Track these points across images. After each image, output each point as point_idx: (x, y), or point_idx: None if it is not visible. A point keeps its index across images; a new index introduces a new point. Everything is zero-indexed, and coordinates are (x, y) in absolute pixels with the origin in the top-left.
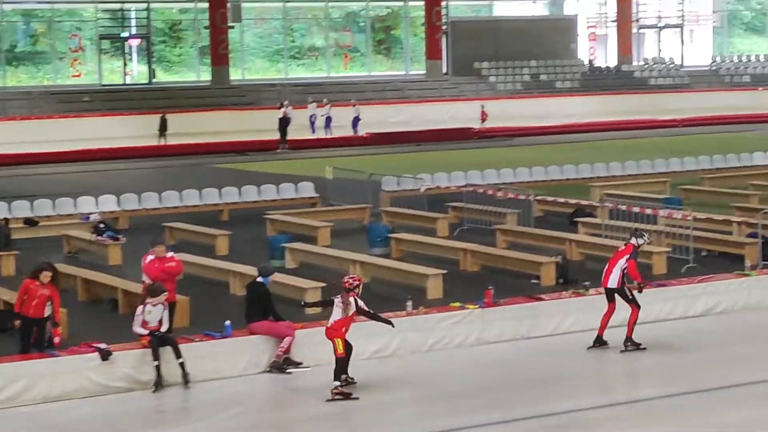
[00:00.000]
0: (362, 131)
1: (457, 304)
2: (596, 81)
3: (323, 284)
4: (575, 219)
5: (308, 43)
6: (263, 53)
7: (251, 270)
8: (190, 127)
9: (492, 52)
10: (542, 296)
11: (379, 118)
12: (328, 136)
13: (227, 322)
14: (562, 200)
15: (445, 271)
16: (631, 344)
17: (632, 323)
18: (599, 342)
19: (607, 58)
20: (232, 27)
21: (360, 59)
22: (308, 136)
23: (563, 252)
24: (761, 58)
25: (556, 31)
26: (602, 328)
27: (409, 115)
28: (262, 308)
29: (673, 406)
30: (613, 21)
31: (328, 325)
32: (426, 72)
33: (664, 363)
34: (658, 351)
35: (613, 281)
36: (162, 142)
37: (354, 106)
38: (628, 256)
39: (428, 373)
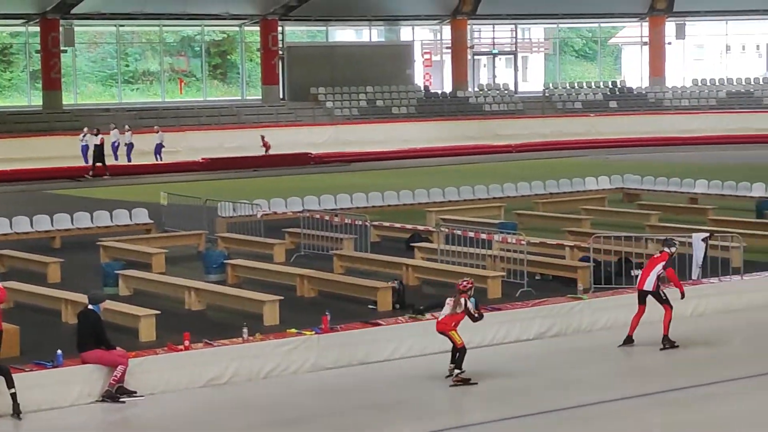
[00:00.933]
0: (166, 158)
1: (294, 330)
2: (432, 107)
3: (158, 312)
4: (411, 244)
5: (143, 68)
6: (96, 78)
7: (84, 298)
8: (22, 153)
9: (328, 77)
10: (379, 321)
11: (214, 144)
12: (130, 163)
13: (59, 351)
14: (398, 225)
15: (281, 297)
16: (668, 343)
17: (668, 323)
18: (629, 341)
19: (443, 84)
20: (65, 51)
21: (195, 84)
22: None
23: (400, 277)
24: (592, 85)
25: (392, 57)
26: (632, 328)
27: (245, 140)
28: (93, 336)
29: (504, 429)
30: (448, 48)
31: (439, 319)
32: (262, 97)
33: (499, 387)
34: (493, 376)
35: (649, 284)
36: None
37: (157, 132)
38: (664, 263)
39: (264, 401)
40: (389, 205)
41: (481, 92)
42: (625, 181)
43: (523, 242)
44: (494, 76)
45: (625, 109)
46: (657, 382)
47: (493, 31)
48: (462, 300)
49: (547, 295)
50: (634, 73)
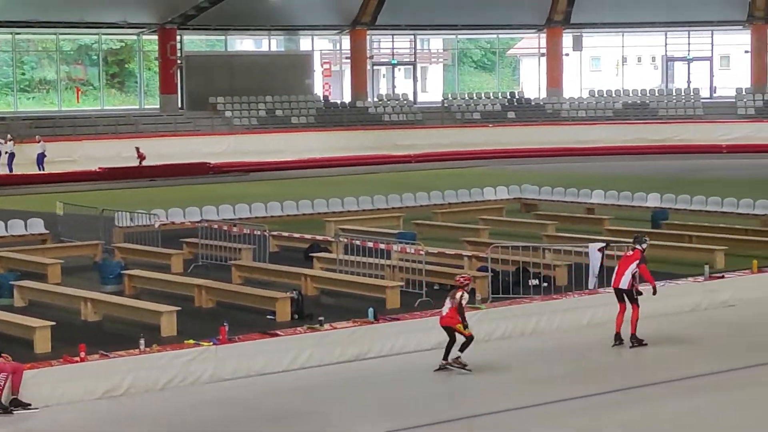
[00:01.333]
0: (48, 168)
1: (192, 341)
2: (331, 117)
3: (53, 323)
4: (310, 254)
5: (39, 76)
6: None
7: None
8: None
9: (227, 86)
10: (277, 332)
11: (112, 153)
12: (12, 173)
13: None
14: (297, 235)
15: (179, 308)
16: (636, 341)
17: (635, 321)
18: (618, 339)
19: (343, 94)
20: None
21: (93, 93)
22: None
23: (298, 287)
24: (491, 96)
25: (292, 66)
26: (618, 325)
27: (143, 149)
28: None
29: None
30: (347, 58)
31: (443, 314)
32: (160, 106)
33: (398, 397)
34: (392, 386)
35: (624, 282)
36: None
37: (39, 142)
38: (638, 261)
39: (161, 413)
40: (288, 215)
41: (380, 102)
42: (523, 191)
43: (421, 252)
44: (393, 87)
45: (523, 120)
46: (552, 392)
47: (393, 41)
48: (458, 294)
49: None
50: (532, 84)
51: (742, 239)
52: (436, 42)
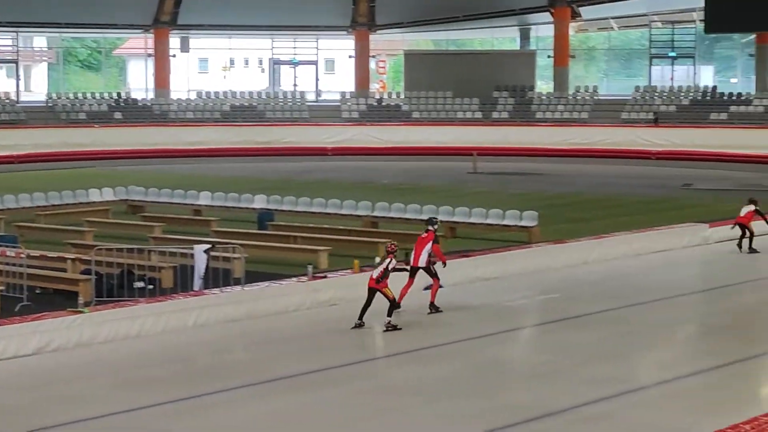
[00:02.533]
0: None
1: None
2: None
3: None
4: None
5: None
6: None
7: None
8: None
9: None
10: None
11: None
12: None
13: None
14: None
15: None
16: (433, 309)
17: (435, 292)
18: (396, 307)
19: None
20: None
21: None
22: None
23: None
24: (96, 96)
25: None
26: (401, 296)
27: None
28: None
29: None
30: None
31: (373, 276)
32: None
33: (3, 405)
34: None
35: (422, 261)
36: None
37: None
38: (432, 242)
39: None
40: None
41: None
42: (130, 192)
43: (22, 255)
44: None
45: (130, 121)
46: (152, 395)
47: None
48: (387, 259)
49: (47, 309)
50: (140, 85)
51: (344, 240)
52: (39, 40)
